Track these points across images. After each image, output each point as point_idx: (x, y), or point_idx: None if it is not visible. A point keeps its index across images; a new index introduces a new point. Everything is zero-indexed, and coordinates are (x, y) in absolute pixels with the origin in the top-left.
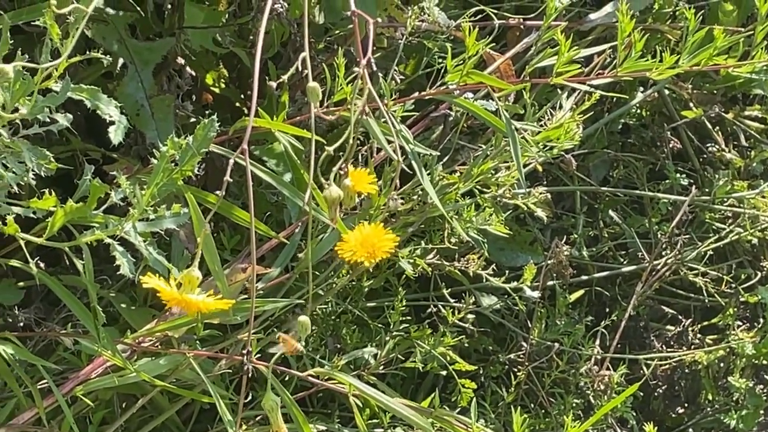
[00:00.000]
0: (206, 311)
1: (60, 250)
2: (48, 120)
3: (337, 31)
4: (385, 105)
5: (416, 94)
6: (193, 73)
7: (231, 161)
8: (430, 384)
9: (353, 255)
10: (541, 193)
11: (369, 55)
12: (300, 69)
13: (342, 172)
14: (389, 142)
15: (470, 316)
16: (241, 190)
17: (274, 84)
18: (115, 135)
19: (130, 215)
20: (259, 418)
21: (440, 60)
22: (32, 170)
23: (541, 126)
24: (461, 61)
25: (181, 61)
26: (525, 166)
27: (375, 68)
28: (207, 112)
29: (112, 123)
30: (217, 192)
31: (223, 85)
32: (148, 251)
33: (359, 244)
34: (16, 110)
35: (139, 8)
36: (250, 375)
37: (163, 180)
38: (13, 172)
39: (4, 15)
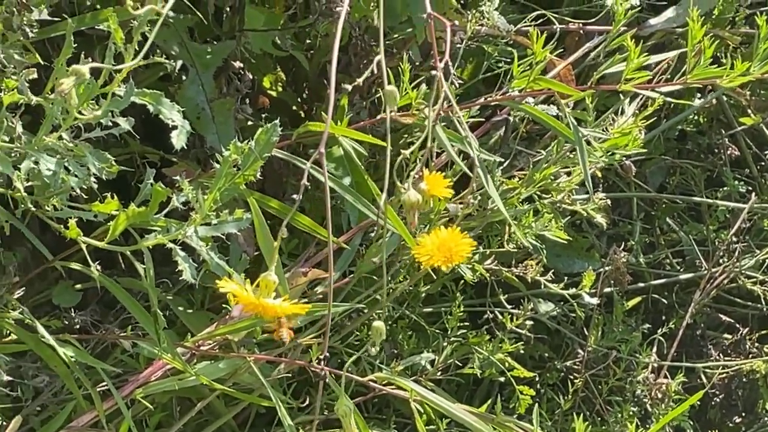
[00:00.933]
0: (283, 315)
1: (116, 252)
2: (110, 124)
3: (395, 35)
4: (452, 111)
5: (482, 99)
6: (251, 77)
7: (307, 168)
8: (485, 390)
9: (430, 259)
10: (601, 200)
11: (447, 59)
12: (375, 72)
13: (417, 176)
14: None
15: (527, 323)
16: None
17: (349, 87)
18: (178, 140)
19: (192, 220)
20: (316, 422)
21: (499, 64)
22: (94, 174)
23: (603, 132)
24: (527, 67)
25: (240, 64)
26: None
27: (452, 71)
28: (264, 115)
29: (174, 127)
30: (294, 196)
31: (280, 89)
32: (210, 256)
33: (436, 248)
34: (80, 114)
35: (198, 11)
36: (308, 379)
37: (225, 184)
38: (76, 176)
39: (68, 20)
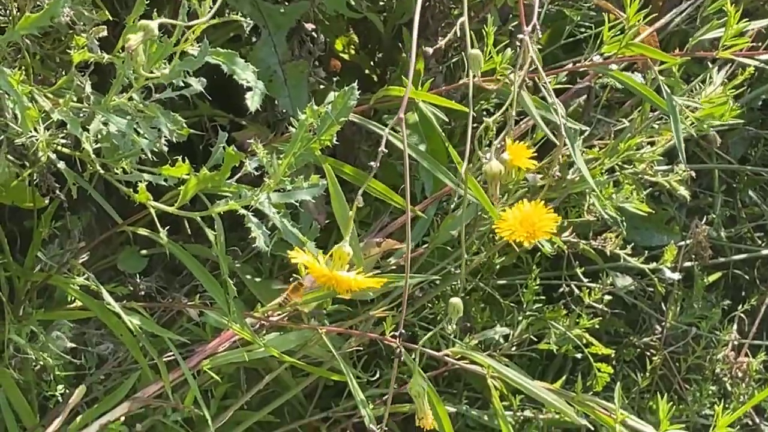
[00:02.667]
0: (357, 289)
1: (181, 218)
2: (181, 84)
3: None
4: (537, 77)
5: (569, 65)
6: (324, 39)
7: (385, 135)
8: (558, 366)
9: (512, 234)
10: (684, 171)
11: (535, 21)
12: (458, 34)
13: (499, 146)
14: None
15: (605, 297)
16: (371, 160)
17: (430, 50)
18: (252, 101)
19: (265, 185)
20: (384, 396)
21: (580, 29)
22: (165, 136)
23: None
24: (617, 32)
25: (312, 25)
26: (668, 142)
27: (540, 35)
28: (336, 79)
29: (249, 89)
30: (372, 163)
31: (352, 51)
32: (282, 223)
33: (518, 223)
34: (152, 73)
35: None
36: (378, 352)
37: (300, 149)
38: (146, 138)
39: None
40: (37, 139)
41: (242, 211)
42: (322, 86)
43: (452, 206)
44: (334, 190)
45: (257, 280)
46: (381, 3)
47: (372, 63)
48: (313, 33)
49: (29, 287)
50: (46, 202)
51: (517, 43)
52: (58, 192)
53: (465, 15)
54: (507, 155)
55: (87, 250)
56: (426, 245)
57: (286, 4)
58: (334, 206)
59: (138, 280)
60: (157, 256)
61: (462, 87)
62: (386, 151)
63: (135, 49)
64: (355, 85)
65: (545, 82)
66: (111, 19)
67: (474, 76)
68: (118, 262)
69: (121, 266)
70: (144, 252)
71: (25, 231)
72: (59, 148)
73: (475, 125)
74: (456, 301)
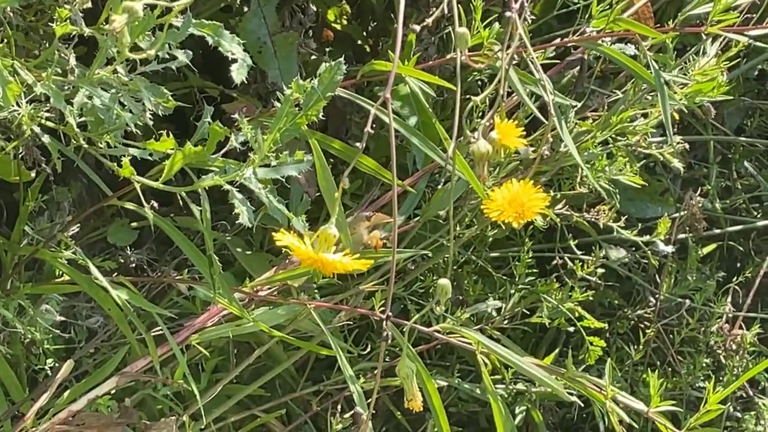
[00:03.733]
0: (343, 272)
1: None
2: (167, 57)
3: None
4: (525, 52)
5: (557, 40)
6: (315, 9)
7: (372, 111)
8: (551, 338)
9: (501, 215)
10: (678, 143)
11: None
12: (446, 12)
13: (488, 125)
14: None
15: (598, 270)
16: (363, 132)
17: (417, 27)
18: (238, 74)
19: (250, 161)
20: (375, 370)
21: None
22: (150, 109)
23: (684, 74)
24: (606, 6)
25: None
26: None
27: (528, 14)
28: (328, 49)
29: (234, 61)
30: (357, 144)
31: (344, 22)
32: (269, 199)
33: (507, 202)
34: (136, 47)
35: None
36: (369, 325)
37: (286, 124)
38: (131, 112)
39: None
40: (19, 113)
41: (227, 187)
42: (314, 57)
43: (443, 180)
44: (320, 165)
45: (247, 253)
46: None
47: (365, 33)
48: (305, 4)
49: (17, 261)
50: (33, 175)
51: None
52: (44, 165)
53: None
54: (495, 134)
55: (75, 222)
56: (417, 219)
57: None
58: (320, 183)
59: (129, 253)
60: (147, 229)
61: (453, 60)
62: (372, 131)
63: (120, 31)
64: (342, 59)
65: (533, 58)
66: None
67: (462, 54)
68: (108, 235)
69: (111, 239)
70: (134, 225)
71: (14, 204)
72: (43, 121)
73: (467, 97)
74: (444, 282)
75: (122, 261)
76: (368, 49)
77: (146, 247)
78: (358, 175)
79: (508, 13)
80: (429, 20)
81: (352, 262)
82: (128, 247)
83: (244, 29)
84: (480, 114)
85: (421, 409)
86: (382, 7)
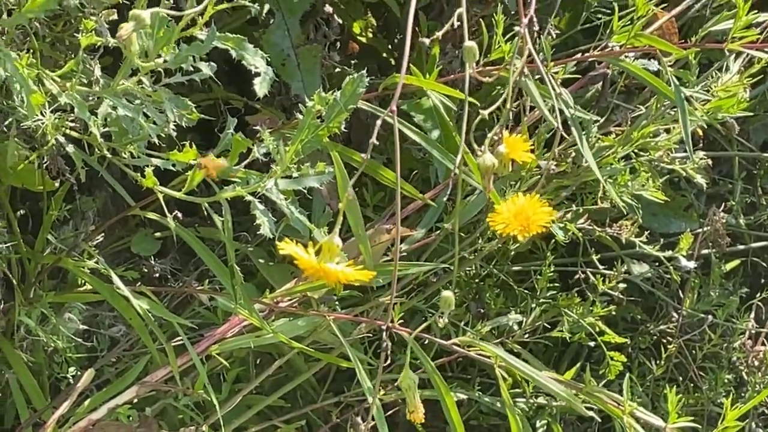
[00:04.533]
0: (346, 282)
1: None
2: (191, 68)
3: None
4: (545, 66)
5: (579, 55)
6: (341, 22)
7: (378, 122)
8: (574, 352)
9: (506, 228)
10: (701, 159)
11: (531, 13)
12: (455, 25)
13: (496, 138)
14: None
15: (620, 285)
16: (386, 145)
17: (427, 41)
18: (261, 87)
19: (272, 172)
20: (396, 381)
21: (598, 15)
22: (173, 121)
23: (707, 90)
24: (628, 21)
25: (329, 9)
26: None
27: (537, 27)
28: (353, 62)
29: (258, 74)
30: (363, 155)
31: (370, 35)
32: (290, 210)
33: (513, 215)
34: (160, 58)
35: None
36: (390, 337)
37: (308, 136)
38: (154, 123)
39: None
40: (43, 123)
41: (249, 198)
42: (338, 70)
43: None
44: (341, 177)
45: (269, 264)
46: None
47: (390, 46)
48: (330, 16)
49: (40, 269)
50: (57, 185)
51: (523, 31)
52: (68, 175)
53: (463, 5)
54: (503, 148)
55: (99, 232)
56: (438, 231)
57: None
58: (340, 194)
59: (152, 263)
60: (171, 239)
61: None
62: (377, 143)
63: (127, 39)
64: (364, 72)
65: (550, 73)
66: (122, 1)
67: (473, 70)
68: (132, 245)
69: (135, 249)
70: (158, 235)
71: (39, 213)
72: (68, 131)
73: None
74: (447, 294)
75: (145, 271)
76: (393, 62)
77: (170, 256)
78: (381, 187)
79: (518, 28)
80: (439, 34)
81: (354, 272)
82: (152, 257)
83: (267, 41)
84: (500, 128)
85: (423, 421)
86: (406, 20)
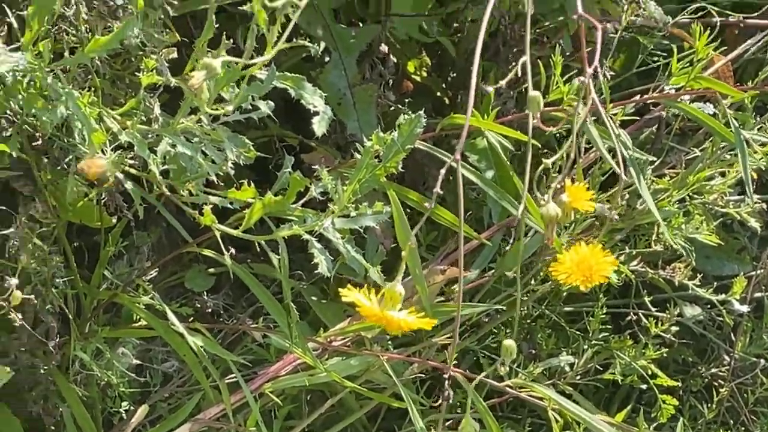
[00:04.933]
0: (408, 330)
1: None
2: (249, 107)
3: (546, 23)
4: (605, 108)
5: (636, 97)
6: (395, 61)
7: (443, 171)
8: (625, 394)
9: (568, 277)
10: (756, 202)
11: (596, 63)
12: (518, 73)
13: (559, 186)
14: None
15: (673, 327)
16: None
17: (490, 88)
18: (319, 126)
19: (329, 211)
20: (449, 422)
21: (654, 58)
22: (231, 159)
23: (765, 133)
24: (686, 63)
25: (384, 48)
26: (739, 174)
27: (602, 77)
28: (407, 101)
29: (316, 113)
30: (426, 204)
31: (424, 74)
32: (346, 249)
33: (575, 265)
34: (221, 99)
35: None
36: (442, 377)
37: (365, 176)
38: (212, 161)
39: None
40: (105, 161)
41: (306, 237)
42: (392, 108)
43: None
44: (398, 217)
45: (322, 302)
46: (455, 25)
47: (444, 85)
48: (385, 56)
49: (96, 305)
50: (114, 221)
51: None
52: (125, 211)
53: (527, 54)
54: (566, 197)
55: (154, 268)
56: (492, 271)
57: (359, 26)
58: (398, 233)
59: (205, 298)
60: (224, 274)
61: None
62: (441, 192)
63: (199, 87)
64: (422, 112)
65: (609, 116)
66: (181, 40)
67: (534, 118)
68: (186, 281)
69: (188, 285)
70: (212, 270)
71: (93, 247)
72: (127, 168)
73: (544, 151)
74: (509, 343)
75: (198, 306)
76: (447, 102)
77: (223, 292)
78: (434, 227)
79: (581, 79)
80: (503, 82)
81: (417, 320)
82: (204, 293)
83: (324, 80)
84: (556, 170)
85: None
86: (462, 60)
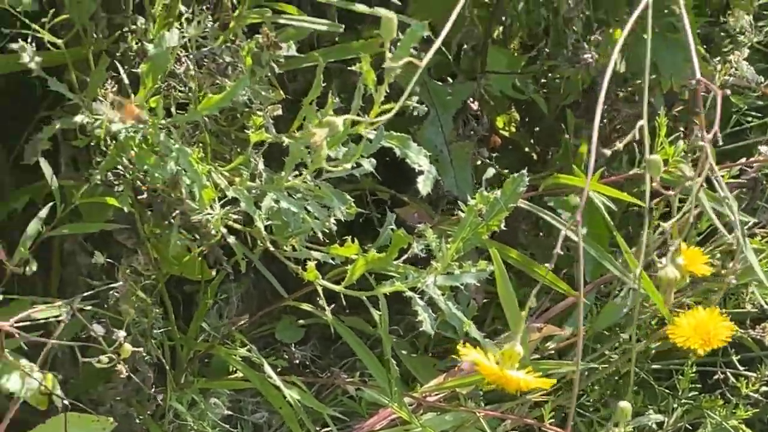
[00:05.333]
0: (526, 389)
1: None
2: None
3: (638, 81)
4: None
5: (743, 160)
6: (487, 118)
7: (563, 234)
8: None
9: (686, 341)
10: None
11: (716, 129)
12: (637, 137)
13: (674, 250)
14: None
15: (762, 388)
16: (530, 240)
17: (608, 151)
18: (424, 186)
19: (432, 269)
20: None
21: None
22: (335, 215)
23: None
24: None
25: (475, 105)
26: None
27: (720, 143)
28: (494, 155)
29: (421, 173)
30: (547, 265)
31: (512, 129)
32: (447, 306)
33: (693, 329)
34: (329, 158)
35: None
36: None
37: (468, 234)
38: (316, 218)
39: (317, 55)
40: (212, 216)
41: (408, 293)
42: (479, 162)
43: (614, 292)
44: (500, 275)
45: (413, 355)
46: (543, 81)
47: (532, 141)
48: (478, 112)
49: (192, 356)
50: (213, 273)
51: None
52: (224, 264)
53: (644, 119)
54: (681, 260)
55: (250, 321)
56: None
57: (453, 83)
58: (500, 293)
59: (293, 349)
60: (313, 326)
61: (636, 176)
62: (561, 253)
63: (320, 145)
64: (525, 171)
65: (718, 177)
66: (286, 97)
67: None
68: (277, 333)
69: (279, 336)
70: (302, 322)
71: (186, 297)
72: (230, 223)
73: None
74: (625, 404)
75: (286, 356)
76: (535, 157)
77: (311, 344)
78: (524, 282)
79: (701, 143)
80: (620, 145)
81: (535, 380)
82: (293, 344)
83: (422, 137)
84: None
85: None
86: (552, 116)
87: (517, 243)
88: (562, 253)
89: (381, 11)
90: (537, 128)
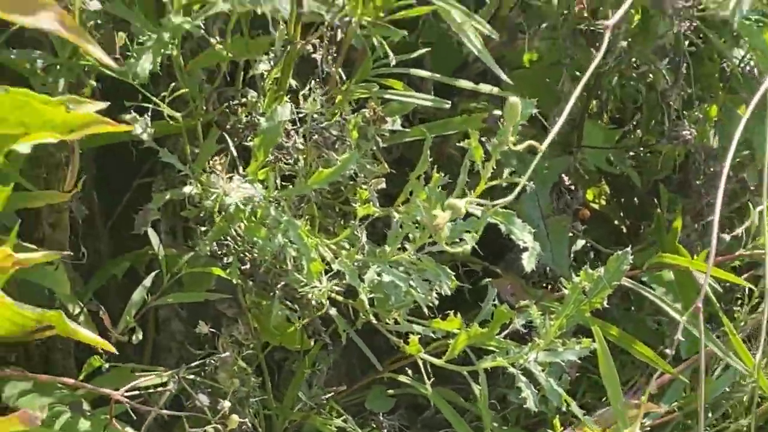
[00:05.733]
0: None
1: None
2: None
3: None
4: None
5: None
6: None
7: (681, 326)
8: None
9: None
10: None
11: None
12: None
13: None
14: None
15: None
16: (620, 312)
17: (728, 237)
18: (528, 262)
19: (535, 345)
20: None
21: None
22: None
23: None
24: None
25: (568, 180)
26: None
27: None
28: (583, 227)
29: (525, 249)
30: (667, 350)
31: (603, 202)
32: (548, 382)
33: None
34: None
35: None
36: None
37: (572, 311)
38: (418, 291)
39: (424, 130)
40: (319, 289)
41: (511, 369)
42: (571, 235)
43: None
44: (602, 353)
45: (504, 428)
46: (631, 153)
47: (621, 214)
48: (571, 186)
49: (287, 425)
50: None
51: None
52: (323, 335)
53: (765, 205)
54: None
55: (348, 392)
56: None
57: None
58: (602, 371)
59: (382, 419)
60: (401, 396)
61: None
62: (682, 339)
63: (442, 228)
64: (628, 249)
65: None
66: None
67: None
68: (367, 402)
69: (370, 405)
70: (391, 392)
71: (276, 365)
72: (333, 295)
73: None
74: None
75: (374, 425)
76: (624, 230)
77: (398, 413)
78: (614, 356)
79: None
80: (740, 230)
81: None
82: (381, 413)
83: (520, 211)
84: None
85: None
86: (645, 190)
87: (610, 317)
88: (658, 326)
89: (488, 88)
90: (627, 201)
